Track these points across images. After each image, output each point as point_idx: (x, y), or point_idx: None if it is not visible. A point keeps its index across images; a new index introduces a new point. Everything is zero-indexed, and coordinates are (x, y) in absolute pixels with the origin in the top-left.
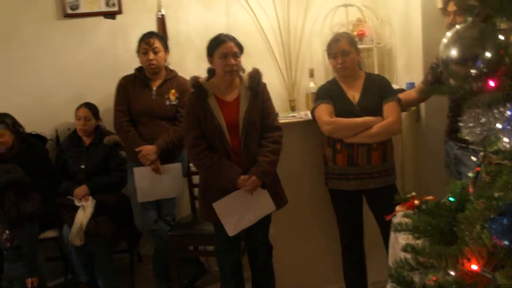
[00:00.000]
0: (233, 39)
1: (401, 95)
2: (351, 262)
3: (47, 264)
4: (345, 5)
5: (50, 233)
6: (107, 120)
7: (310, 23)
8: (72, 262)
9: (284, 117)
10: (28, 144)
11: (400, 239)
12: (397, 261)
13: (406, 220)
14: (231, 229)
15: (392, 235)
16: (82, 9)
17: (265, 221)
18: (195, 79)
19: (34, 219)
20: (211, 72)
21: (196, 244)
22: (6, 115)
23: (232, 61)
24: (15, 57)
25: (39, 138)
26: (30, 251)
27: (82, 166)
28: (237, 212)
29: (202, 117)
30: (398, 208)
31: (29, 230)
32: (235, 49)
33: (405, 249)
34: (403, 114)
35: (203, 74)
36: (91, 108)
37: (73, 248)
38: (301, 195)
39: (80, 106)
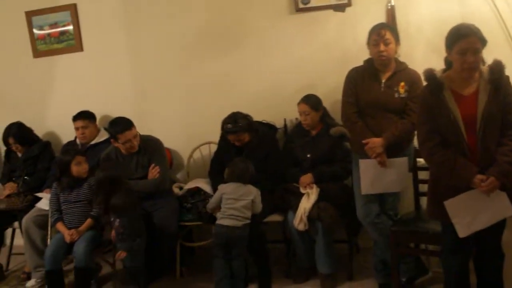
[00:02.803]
0: (476, 32)
1: None
2: None
3: (271, 246)
4: None
5: (276, 217)
6: (335, 112)
7: None
8: (294, 246)
9: None
10: (262, 134)
11: None
12: None
13: None
14: (463, 230)
15: None
16: (313, 3)
17: (499, 226)
18: (430, 71)
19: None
20: (448, 63)
21: (417, 242)
22: (244, 117)
23: (471, 58)
24: (251, 51)
25: (269, 127)
26: (131, 233)
27: (308, 155)
28: (470, 213)
29: (436, 111)
30: None
31: (133, 217)
32: (477, 45)
33: None
34: None
35: (433, 67)
36: (307, 101)
37: (296, 233)
38: None
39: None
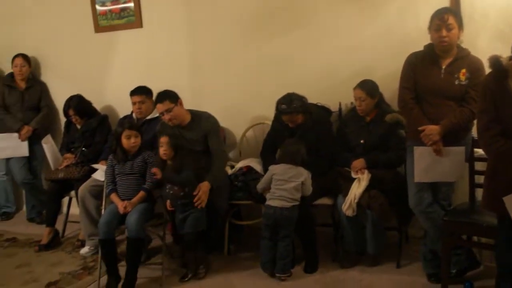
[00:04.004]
0: None
1: None
2: None
3: (319, 230)
4: None
5: (325, 200)
6: (392, 97)
7: None
8: (342, 230)
9: None
10: (315, 117)
11: None
12: None
13: None
14: None
15: None
16: None
17: None
18: (496, 58)
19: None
20: None
21: (470, 234)
22: (299, 98)
23: None
24: (310, 32)
25: (324, 110)
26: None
27: (362, 141)
28: None
29: (499, 99)
30: None
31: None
32: None
33: None
34: None
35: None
36: (363, 87)
37: (345, 218)
38: None
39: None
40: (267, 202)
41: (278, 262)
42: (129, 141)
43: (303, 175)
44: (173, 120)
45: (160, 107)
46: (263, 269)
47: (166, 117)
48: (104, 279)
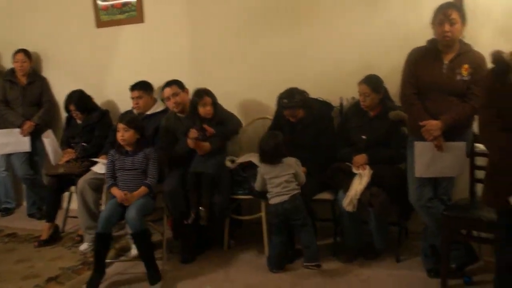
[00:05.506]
0: None
1: None
2: None
3: (319, 225)
4: None
5: (326, 195)
6: (394, 92)
7: None
8: (342, 226)
9: None
10: (317, 111)
11: None
12: None
13: None
14: None
15: None
16: None
17: None
18: (498, 53)
19: None
20: None
21: (470, 229)
22: (300, 93)
23: None
24: (311, 27)
25: (325, 105)
26: None
27: (364, 137)
28: None
29: (500, 95)
30: None
31: None
32: None
33: None
34: None
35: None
36: (368, 83)
37: (345, 213)
38: None
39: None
40: (269, 202)
41: (305, 251)
42: (118, 134)
43: (292, 165)
44: (178, 106)
45: (168, 90)
46: (269, 263)
47: (172, 101)
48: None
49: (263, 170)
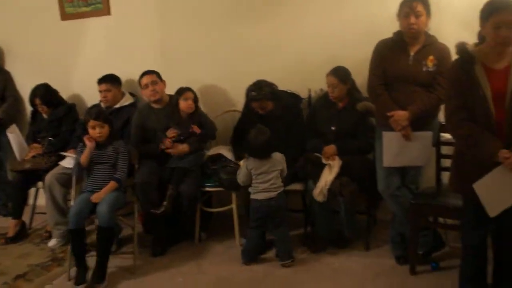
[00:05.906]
0: None
1: None
2: None
3: (290, 215)
4: None
5: (296, 186)
6: (362, 84)
7: None
8: (313, 216)
9: None
10: (285, 103)
11: None
12: None
13: None
14: (493, 210)
15: None
16: None
17: None
18: (462, 45)
19: None
20: (481, 38)
21: (436, 216)
22: (268, 85)
23: (506, 33)
24: (278, 19)
25: (294, 97)
26: None
27: (333, 128)
28: (498, 191)
29: (465, 85)
30: None
31: None
32: None
33: None
34: None
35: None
36: (336, 74)
37: (316, 203)
38: None
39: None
40: (253, 196)
41: (279, 249)
42: (94, 131)
43: (280, 161)
44: (156, 94)
45: (147, 77)
46: (243, 256)
47: (150, 88)
48: (74, 270)
49: (252, 164)
